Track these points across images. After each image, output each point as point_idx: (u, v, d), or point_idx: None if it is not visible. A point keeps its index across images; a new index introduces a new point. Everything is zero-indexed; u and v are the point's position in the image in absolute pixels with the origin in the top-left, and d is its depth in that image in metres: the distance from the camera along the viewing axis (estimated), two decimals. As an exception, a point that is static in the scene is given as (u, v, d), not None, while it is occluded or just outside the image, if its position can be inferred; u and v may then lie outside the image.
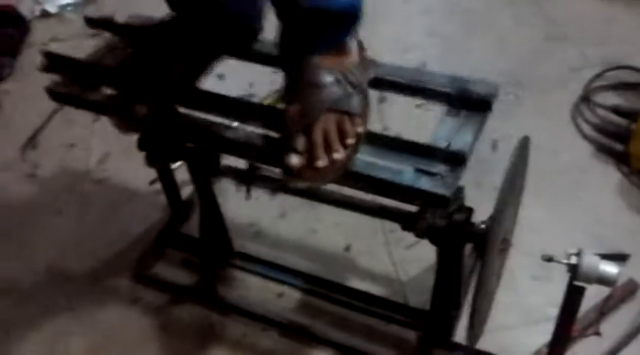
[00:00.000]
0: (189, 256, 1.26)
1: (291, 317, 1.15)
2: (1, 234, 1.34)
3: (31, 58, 1.78)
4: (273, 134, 0.85)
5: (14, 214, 1.38)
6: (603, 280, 0.84)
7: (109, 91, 0.94)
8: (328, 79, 0.79)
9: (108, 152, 1.50)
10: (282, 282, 1.19)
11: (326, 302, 1.17)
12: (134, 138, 1.48)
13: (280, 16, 0.85)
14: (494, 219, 0.82)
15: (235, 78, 1.49)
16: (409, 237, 1.18)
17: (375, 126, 0.85)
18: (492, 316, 1.12)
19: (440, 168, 0.78)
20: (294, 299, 1.18)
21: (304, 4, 0.79)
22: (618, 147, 1.34)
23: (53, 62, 1.01)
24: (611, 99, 1.47)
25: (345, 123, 0.78)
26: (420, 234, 0.90)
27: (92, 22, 1.08)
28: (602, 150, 1.37)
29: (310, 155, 0.76)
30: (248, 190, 1.00)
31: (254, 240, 1.28)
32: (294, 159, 0.75)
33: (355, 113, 0.79)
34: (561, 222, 1.27)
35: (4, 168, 1.49)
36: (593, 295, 1.09)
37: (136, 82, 0.87)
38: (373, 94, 0.87)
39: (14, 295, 1.23)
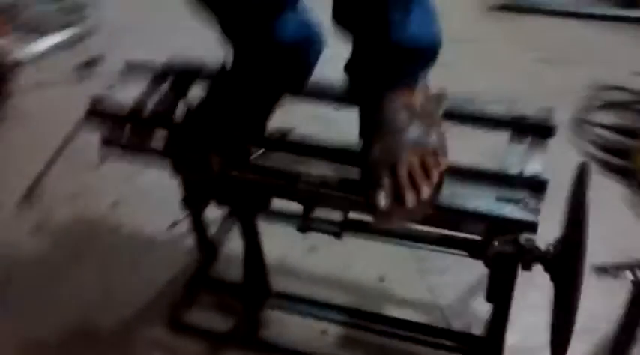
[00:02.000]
0: (223, 300, 1.24)
1: (339, 353, 1.15)
2: (24, 293, 1.28)
3: (17, 105, 1.73)
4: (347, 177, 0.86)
5: (32, 272, 1.32)
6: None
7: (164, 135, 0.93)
8: (406, 117, 0.81)
9: (117, 198, 1.46)
10: (324, 318, 1.19)
11: (370, 333, 1.17)
12: (143, 183, 1.47)
13: (360, 48, 0.85)
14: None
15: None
16: (440, 262, 1.21)
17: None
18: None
19: (522, 194, 0.81)
20: (338, 335, 1.17)
21: (393, 39, 0.80)
22: (621, 163, 1.41)
23: (101, 114, 0.99)
24: (606, 118, 1.55)
25: (428, 160, 0.79)
26: (488, 261, 0.92)
27: (133, 67, 1.05)
28: (606, 167, 1.43)
29: (398, 194, 0.77)
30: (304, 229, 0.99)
31: (286, 277, 1.27)
32: (384, 200, 0.76)
33: (436, 148, 0.81)
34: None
35: (7, 227, 1.42)
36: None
37: (208, 132, 0.86)
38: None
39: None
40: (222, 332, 1.18)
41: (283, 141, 0.91)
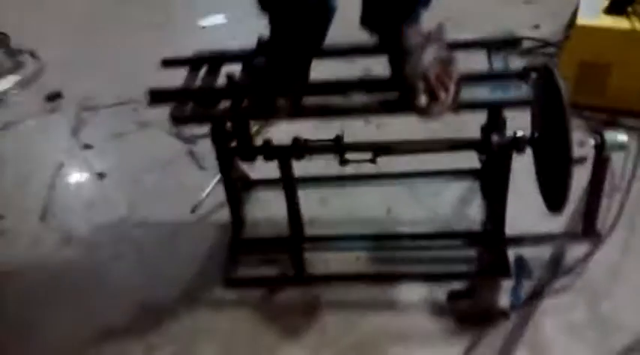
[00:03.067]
0: (262, 255, 1.42)
1: (374, 271, 1.38)
2: (73, 295, 1.40)
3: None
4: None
5: (78, 279, 1.43)
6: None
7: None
8: (422, 41, 1.08)
9: (132, 200, 1.60)
10: (354, 248, 1.41)
11: (394, 250, 1.41)
12: (150, 181, 1.61)
13: None
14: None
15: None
16: (432, 188, 1.49)
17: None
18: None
19: (515, 83, 1.10)
20: (369, 257, 1.40)
21: None
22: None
23: (162, 96, 1.17)
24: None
25: (448, 67, 1.07)
26: (494, 149, 1.18)
27: (168, 63, 1.25)
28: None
29: (432, 93, 1.03)
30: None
31: (310, 225, 1.44)
32: (423, 99, 1.03)
33: (451, 58, 1.08)
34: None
35: (34, 243, 1.52)
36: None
37: (271, 83, 1.08)
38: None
39: (114, 334, 1.30)
40: (275, 277, 1.37)
41: (325, 83, 1.14)
